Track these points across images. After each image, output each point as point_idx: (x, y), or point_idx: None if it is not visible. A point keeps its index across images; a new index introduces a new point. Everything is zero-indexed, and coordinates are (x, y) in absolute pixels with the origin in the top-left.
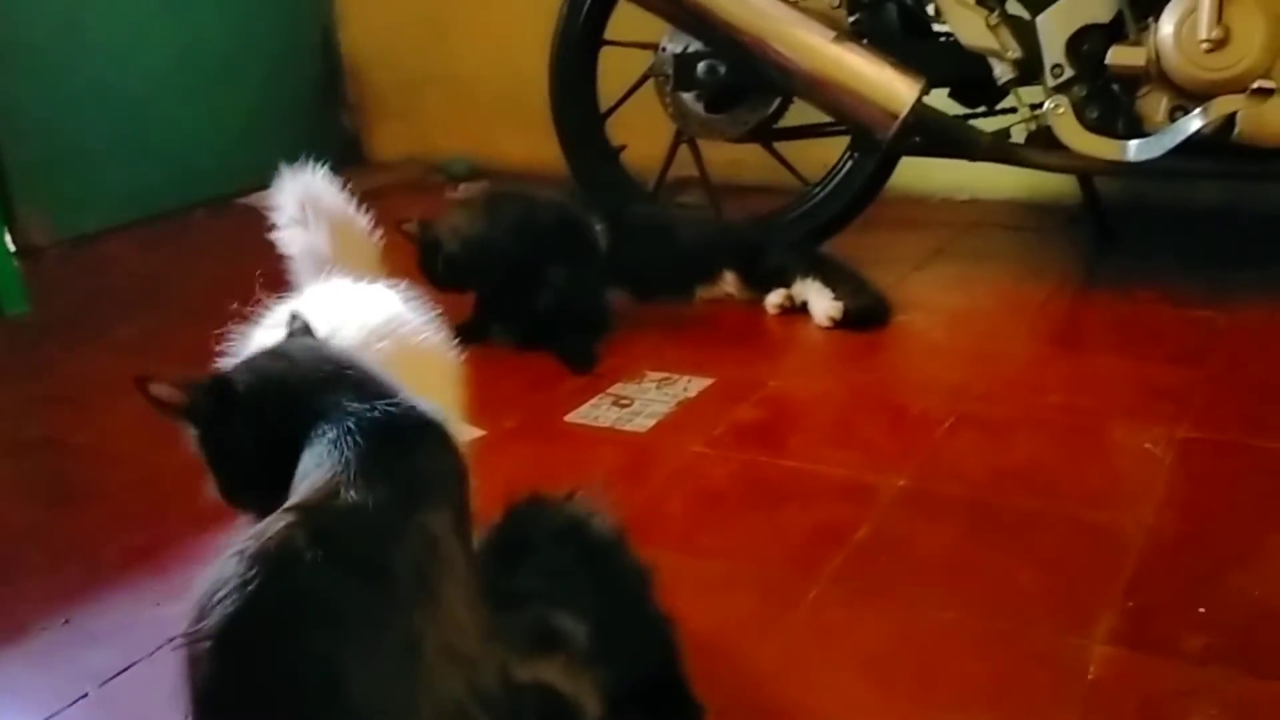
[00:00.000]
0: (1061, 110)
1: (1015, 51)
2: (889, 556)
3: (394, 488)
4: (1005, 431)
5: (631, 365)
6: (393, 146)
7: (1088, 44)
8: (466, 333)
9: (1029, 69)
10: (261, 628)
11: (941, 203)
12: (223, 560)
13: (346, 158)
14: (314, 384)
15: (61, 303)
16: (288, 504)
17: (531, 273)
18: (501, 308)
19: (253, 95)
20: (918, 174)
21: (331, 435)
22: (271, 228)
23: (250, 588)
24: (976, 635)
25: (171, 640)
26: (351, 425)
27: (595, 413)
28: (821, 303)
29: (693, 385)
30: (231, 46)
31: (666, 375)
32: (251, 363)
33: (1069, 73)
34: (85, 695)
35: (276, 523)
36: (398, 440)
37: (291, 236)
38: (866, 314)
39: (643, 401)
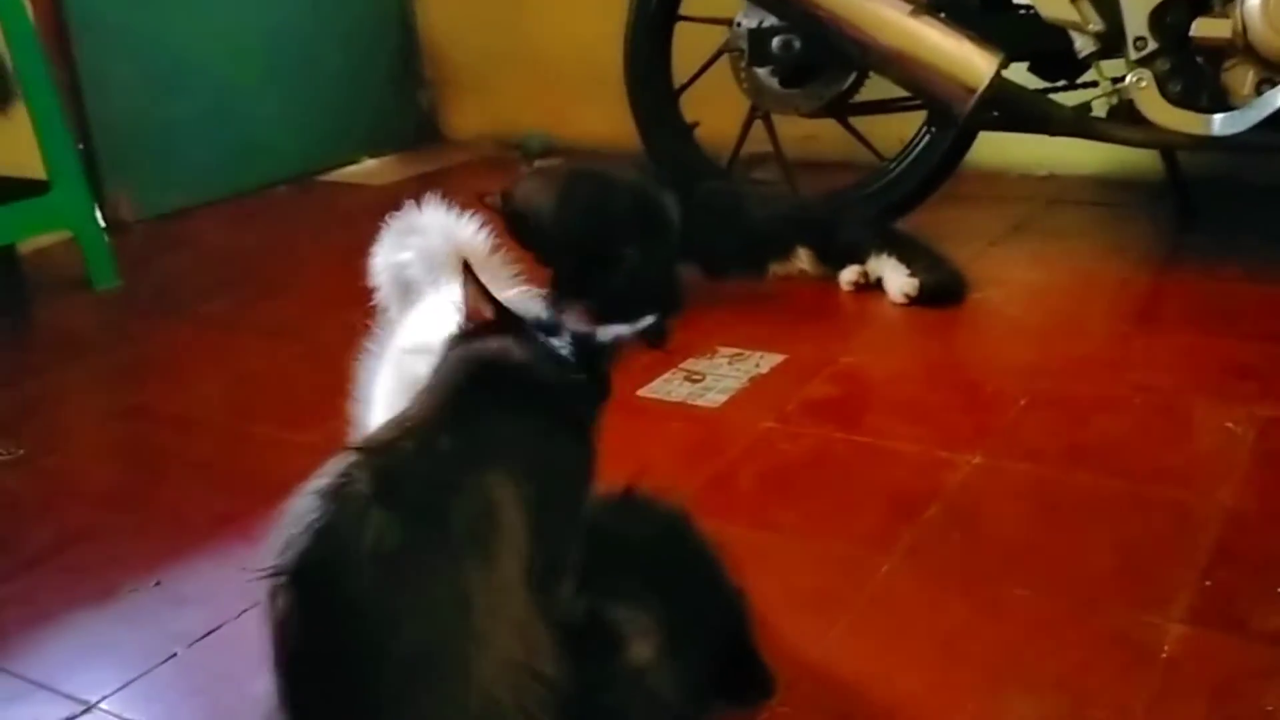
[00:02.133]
0: (1144, 84)
1: (1097, 24)
2: (961, 534)
3: (464, 443)
4: (1082, 409)
5: (704, 341)
6: (469, 123)
7: (1171, 16)
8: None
9: (1111, 41)
10: (323, 565)
11: (1020, 178)
12: (301, 497)
13: (423, 135)
14: None
15: (149, 277)
16: (362, 441)
17: (605, 252)
18: (575, 284)
19: (332, 74)
20: (996, 149)
21: (444, 377)
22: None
23: (316, 525)
24: (1049, 613)
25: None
26: (475, 372)
27: (667, 388)
28: (896, 279)
29: (765, 361)
30: (312, 26)
31: (739, 351)
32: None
33: (1152, 45)
34: (174, 655)
35: (345, 459)
36: (489, 402)
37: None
38: (942, 290)
39: (714, 377)
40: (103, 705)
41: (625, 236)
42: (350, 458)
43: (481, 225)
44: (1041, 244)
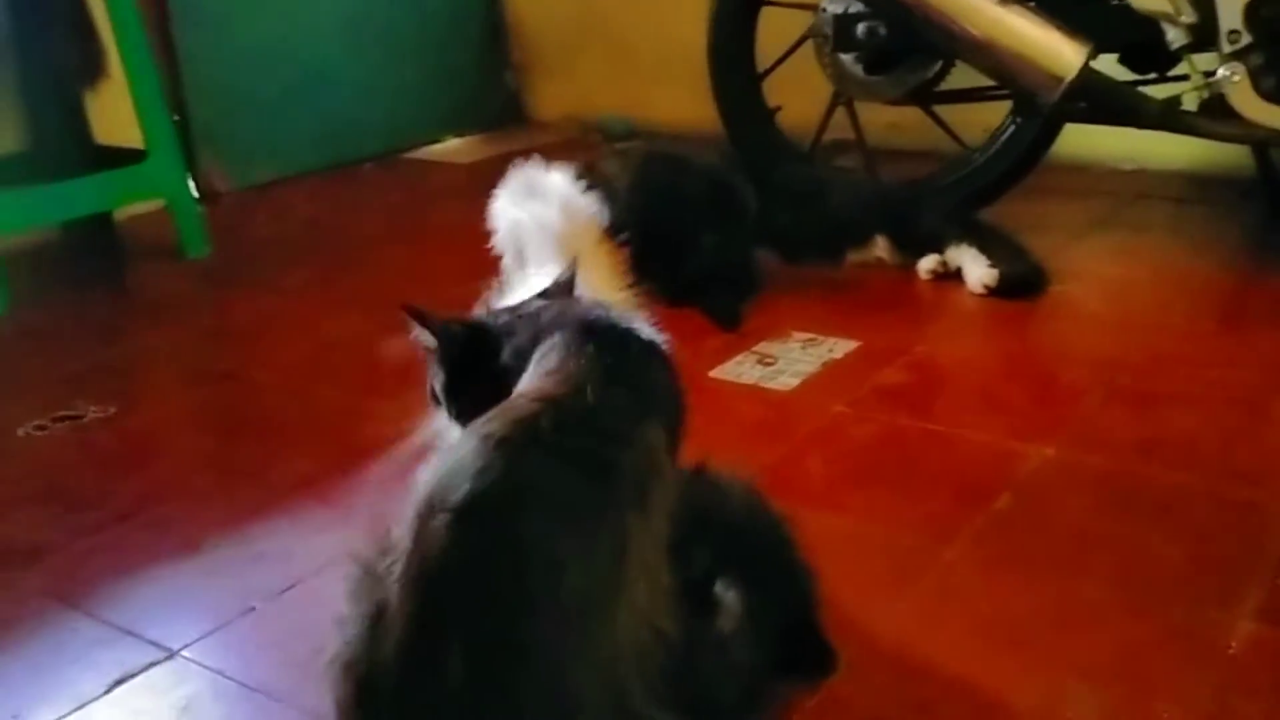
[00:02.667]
0: (1237, 78)
1: (1190, 16)
2: (1029, 524)
3: (627, 396)
4: (1158, 404)
5: (778, 325)
6: (553, 105)
7: (1266, 9)
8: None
9: (1203, 34)
10: (498, 506)
11: (1108, 172)
12: (464, 441)
13: (508, 116)
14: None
15: (238, 247)
16: (535, 394)
17: (681, 237)
18: (652, 267)
19: (420, 54)
20: (1084, 141)
21: (574, 339)
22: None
23: (493, 468)
24: (1113, 606)
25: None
26: (598, 333)
27: (739, 370)
28: (976, 269)
29: (838, 347)
30: (402, 6)
31: (812, 336)
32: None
33: (1246, 39)
34: (253, 608)
35: (523, 409)
36: (630, 354)
37: (513, 211)
38: (1021, 282)
39: (787, 361)
40: (184, 653)
41: (700, 221)
42: (528, 408)
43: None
44: (1126, 238)
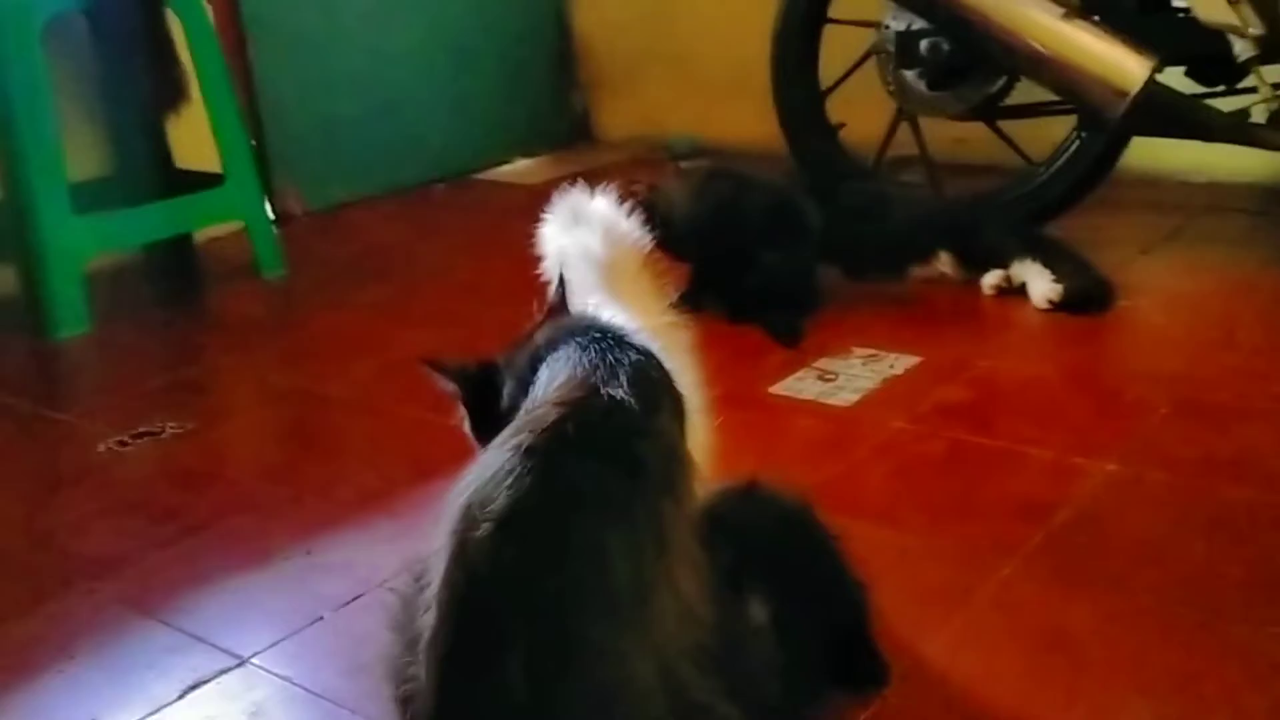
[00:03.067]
0: None
1: (1257, 27)
2: (1089, 539)
3: (637, 393)
4: (1224, 420)
5: (838, 341)
6: (620, 124)
7: None
8: (680, 303)
9: (1271, 46)
10: (539, 510)
11: (1178, 185)
12: (494, 453)
13: (576, 135)
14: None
15: (312, 267)
16: (554, 399)
17: (742, 255)
18: (713, 283)
19: (490, 76)
20: (1154, 155)
21: (573, 348)
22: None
23: (528, 475)
24: (1172, 622)
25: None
26: (591, 340)
27: (799, 385)
28: (1040, 284)
29: (899, 362)
30: (471, 29)
31: (873, 352)
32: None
33: None
34: (321, 618)
35: (547, 416)
36: (629, 353)
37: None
38: (1087, 297)
39: (847, 376)
40: (254, 660)
41: (761, 240)
42: (550, 413)
43: (641, 227)
44: (1196, 252)
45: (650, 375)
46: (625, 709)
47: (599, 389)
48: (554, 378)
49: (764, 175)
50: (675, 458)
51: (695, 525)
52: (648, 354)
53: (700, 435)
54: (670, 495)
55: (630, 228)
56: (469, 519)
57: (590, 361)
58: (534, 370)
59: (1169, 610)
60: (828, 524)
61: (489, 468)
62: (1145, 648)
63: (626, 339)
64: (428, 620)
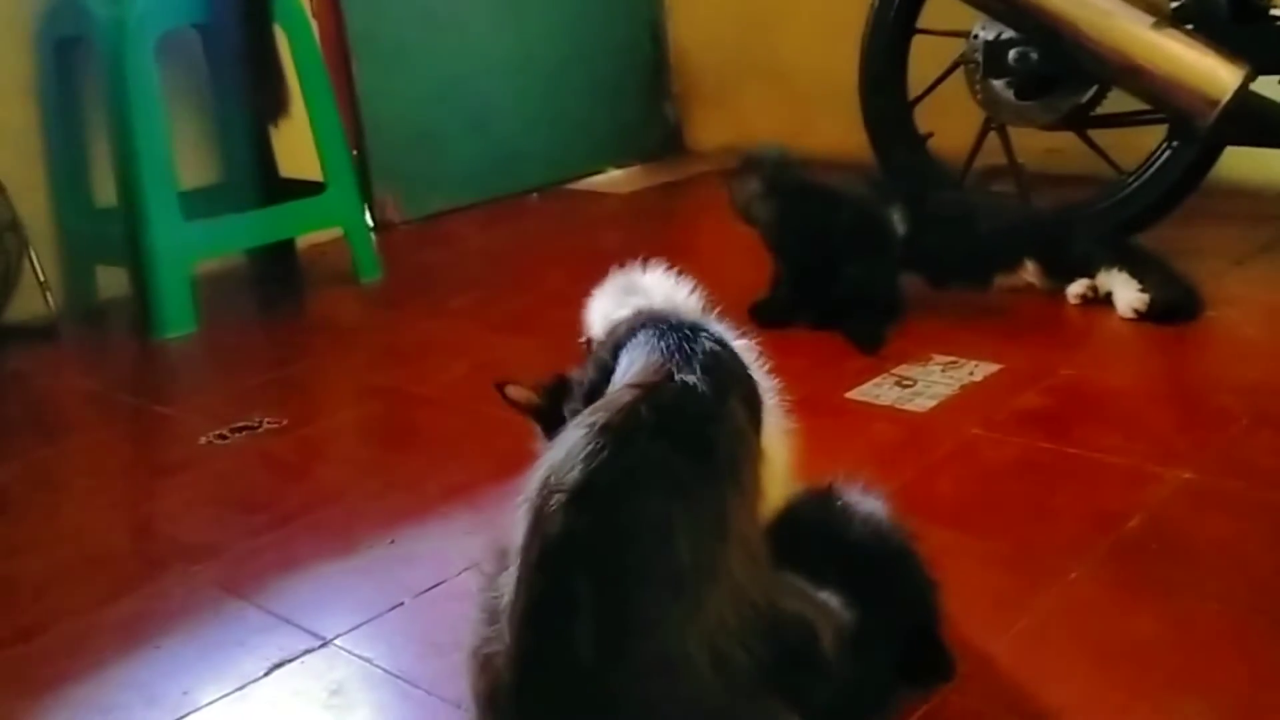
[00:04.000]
0: None
1: None
2: (1160, 546)
3: (709, 379)
4: None
5: (919, 348)
6: (711, 135)
7: None
8: (764, 310)
9: None
10: (611, 485)
11: (1276, 195)
12: (572, 431)
13: (668, 146)
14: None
15: (408, 273)
16: (630, 381)
17: (825, 266)
18: (798, 294)
19: (585, 87)
20: (1254, 165)
21: (650, 335)
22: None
23: (602, 452)
24: (1240, 629)
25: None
26: (667, 328)
27: (877, 391)
28: (1126, 293)
29: (979, 370)
30: (567, 43)
31: (953, 359)
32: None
33: None
34: (401, 604)
35: (623, 397)
36: (702, 341)
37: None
38: (1174, 307)
39: (925, 383)
40: (337, 642)
41: (844, 251)
42: (627, 395)
43: (695, 290)
44: None
45: (724, 363)
46: (682, 685)
47: (671, 374)
48: (632, 363)
49: (849, 186)
50: (744, 446)
51: (757, 515)
52: (723, 343)
53: (775, 428)
54: (735, 483)
55: (688, 299)
56: (545, 491)
57: (667, 348)
58: (615, 357)
59: (1237, 618)
60: (905, 526)
61: (566, 444)
62: (1211, 655)
63: (702, 328)
64: (508, 590)
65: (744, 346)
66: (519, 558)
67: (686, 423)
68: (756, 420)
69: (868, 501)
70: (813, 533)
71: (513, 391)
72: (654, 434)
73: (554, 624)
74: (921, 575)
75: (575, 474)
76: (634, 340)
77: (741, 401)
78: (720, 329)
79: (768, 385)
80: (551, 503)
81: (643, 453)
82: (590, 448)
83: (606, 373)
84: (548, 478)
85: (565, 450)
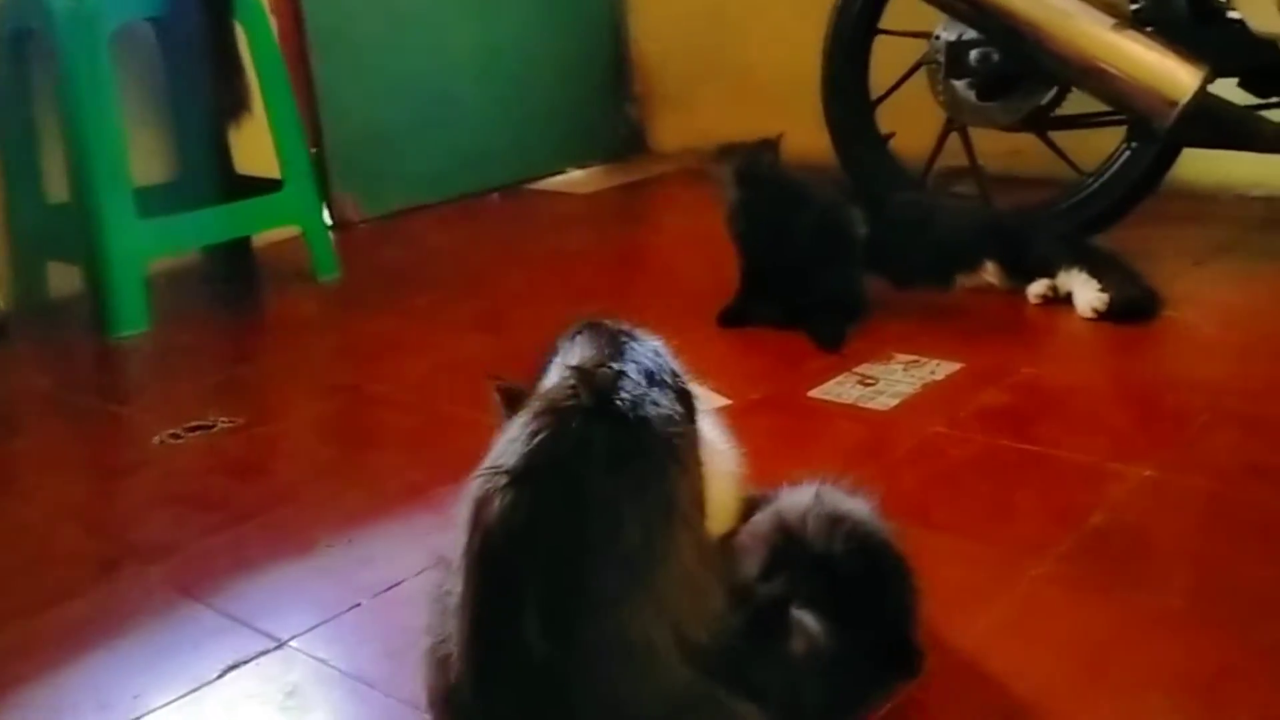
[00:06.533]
0: None
1: None
2: (1121, 543)
3: (642, 369)
4: (1266, 429)
5: (880, 347)
6: (673, 137)
7: None
8: (728, 317)
9: None
10: (551, 467)
11: (1234, 198)
12: (514, 420)
13: (629, 147)
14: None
15: (368, 272)
16: (568, 365)
17: (787, 267)
18: (761, 295)
19: (545, 87)
20: (1211, 168)
21: (583, 336)
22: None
23: (542, 433)
24: (1201, 625)
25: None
26: (603, 330)
27: (839, 390)
28: (1086, 293)
29: (941, 369)
30: (528, 43)
31: (915, 358)
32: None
33: None
34: (359, 604)
35: (560, 383)
36: (634, 342)
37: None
38: (1133, 306)
39: (887, 381)
40: (292, 643)
41: (806, 252)
42: (564, 380)
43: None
44: (1249, 265)
45: (657, 361)
46: (643, 669)
47: (606, 363)
48: (567, 359)
49: (811, 183)
50: (679, 430)
51: (700, 497)
52: (655, 349)
53: (714, 442)
54: (678, 462)
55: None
56: (485, 481)
57: (600, 343)
58: (547, 363)
59: (1200, 613)
60: (888, 526)
61: (509, 432)
62: (1172, 649)
63: (634, 333)
64: (457, 585)
65: (676, 360)
66: (463, 549)
67: (625, 403)
68: (692, 419)
69: (852, 503)
70: (796, 538)
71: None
72: (593, 414)
73: (501, 614)
74: (903, 580)
75: (514, 457)
76: (568, 342)
77: (675, 397)
78: (655, 340)
79: (703, 398)
80: (491, 488)
81: (583, 433)
82: (529, 431)
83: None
84: (489, 464)
85: (506, 437)
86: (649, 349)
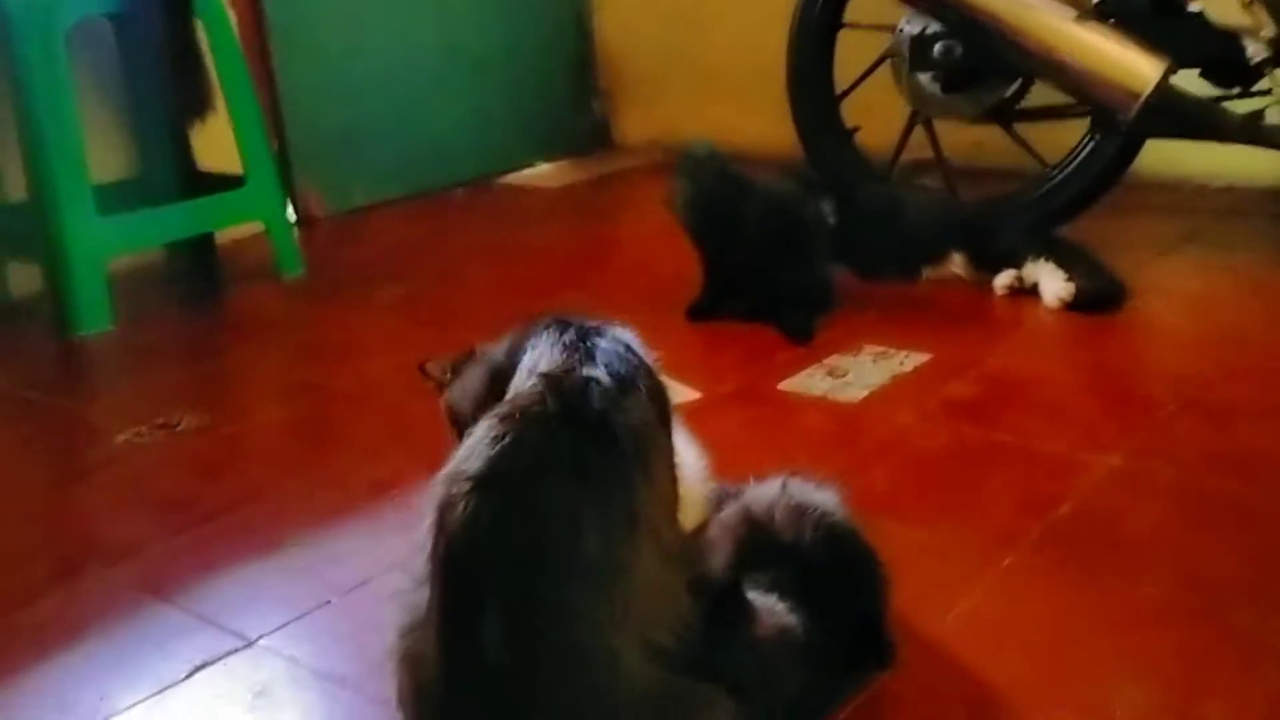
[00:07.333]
0: None
1: (1271, 29)
2: (1091, 531)
3: (612, 372)
4: (1232, 418)
5: (849, 339)
6: (638, 131)
7: None
8: (696, 312)
9: None
10: (514, 474)
11: (1196, 189)
12: (479, 425)
13: (596, 142)
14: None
15: (332, 268)
16: (538, 372)
17: (747, 264)
18: (725, 290)
19: (509, 83)
20: (1172, 159)
21: (552, 334)
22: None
23: (506, 439)
24: (1171, 612)
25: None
26: (570, 328)
27: (809, 382)
28: (1052, 284)
29: (909, 360)
30: (492, 36)
31: (884, 350)
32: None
33: None
34: (328, 602)
35: (526, 389)
36: (604, 340)
37: None
38: (1099, 297)
39: (857, 373)
40: (261, 641)
41: (765, 249)
42: (530, 386)
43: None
44: (1212, 255)
45: (628, 361)
46: (602, 678)
47: (574, 367)
48: (535, 361)
49: (769, 178)
50: (650, 437)
51: (668, 504)
52: (625, 343)
53: (684, 435)
54: (643, 472)
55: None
56: (449, 485)
57: (568, 344)
58: (513, 361)
59: (1169, 600)
60: (856, 519)
61: (473, 437)
62: (1143, 637)
63: (602, 328)
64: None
65: (648, 352)
66: (428, 553)
67: (592, 413)
68: (665, 420)
69: (819, 494)
70: (764, 530)
71: (430, 367)
72: (559, 422)
73: (465, 620)
74: (872, 569)
75: (478, 462)
76: (534, 342)
77: (649, 398)
78: (626, 333)
79: (674, 392)
80: (454, 492)
81: (548, 441)
82: (493, 435)
83: (500, 373)
84: (453, 470)
85: (471, 442)
86: (619, 346)
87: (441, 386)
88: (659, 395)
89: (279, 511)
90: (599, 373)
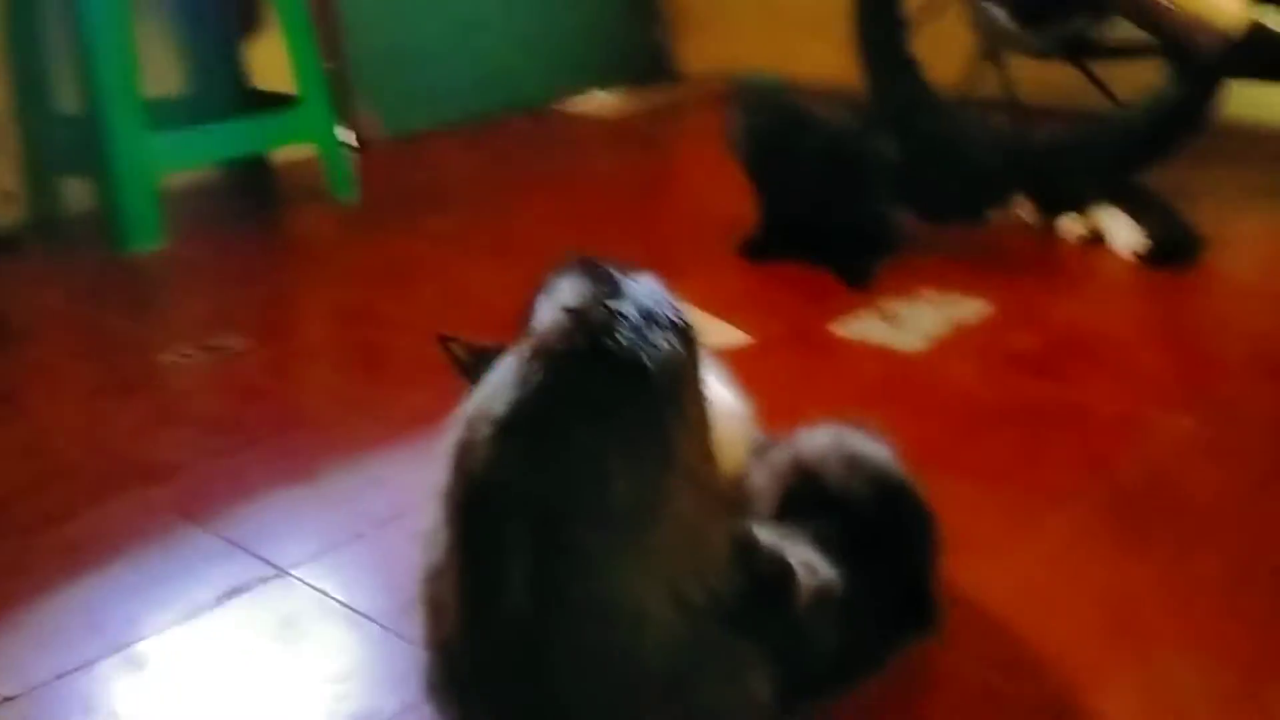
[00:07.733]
0: None
1: None
2: (1155, 495)
3: (641, 309)
4: None
5: (909, 284)
6: (699, 60)
7: None
8: (751, 246)
9: None
10: (541, 413)
11: None
12: (504, 361)
13: (656, 71)
14: None
15: (387, 193)
16: (564, 306)
17: (804, 199)
18: (780, 229)
19: (571, 7)
20: (1261, 102)
21: (575, 277)
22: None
23: (533, 377)
24: (1233, 585)
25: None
26: (595, 270)
27: (864, 327)
28: (1124, 234)
29: (970, 308)
30: None
31: (944, 296)
32: None
33: None
34: (362, 534)
35: (553, 323)
36: (628, 281)
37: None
38: (1173, 249)
39: (914, 320)
40: (293, 572)
41: (824, 185)
42: (557, 320)
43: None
44: None
45: (653, 294)
46: (635, 632)
47: (601, 302)
48: (558, 299)
49: (830, 112)
50: (681, 373)
51: (707, 449)
52: (650, 286)
53: (718, 380)
54: (676, 409)
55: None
56: (471, 425)
57: (594, 282)
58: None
59: (1233, 572)
60: (910, 471)
61: (498, 374)
62: (1207, 613)
63: (628, 272)
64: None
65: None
66: (445, 497)
67: (621, 348)
68: (694, 360)
69: (873, 445)
70: (814, 478)
71: (454, 346)
72: (586, 360)
73: (486, 567)
74: (924, 528)
75: (504, 402)
76: (558, 283)
77: (677, 336)
78: (651, 280)
79: (723, 334)
80: (478, 435)
81: (574, 380)
82: (520, 373)
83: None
84: (475, 409)
85: (495, 380)
86: (645, 285)
87: (462, 368)
88: (687, 333)
89: (318, 438)
90: (626, 306)
